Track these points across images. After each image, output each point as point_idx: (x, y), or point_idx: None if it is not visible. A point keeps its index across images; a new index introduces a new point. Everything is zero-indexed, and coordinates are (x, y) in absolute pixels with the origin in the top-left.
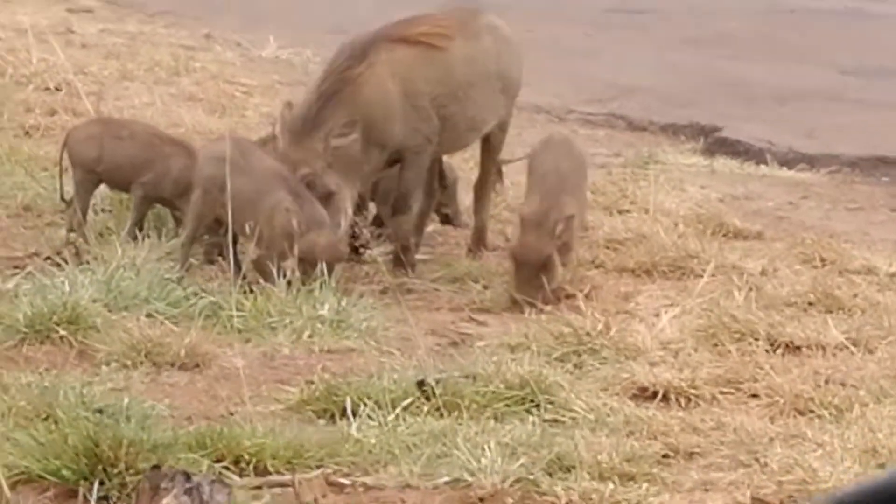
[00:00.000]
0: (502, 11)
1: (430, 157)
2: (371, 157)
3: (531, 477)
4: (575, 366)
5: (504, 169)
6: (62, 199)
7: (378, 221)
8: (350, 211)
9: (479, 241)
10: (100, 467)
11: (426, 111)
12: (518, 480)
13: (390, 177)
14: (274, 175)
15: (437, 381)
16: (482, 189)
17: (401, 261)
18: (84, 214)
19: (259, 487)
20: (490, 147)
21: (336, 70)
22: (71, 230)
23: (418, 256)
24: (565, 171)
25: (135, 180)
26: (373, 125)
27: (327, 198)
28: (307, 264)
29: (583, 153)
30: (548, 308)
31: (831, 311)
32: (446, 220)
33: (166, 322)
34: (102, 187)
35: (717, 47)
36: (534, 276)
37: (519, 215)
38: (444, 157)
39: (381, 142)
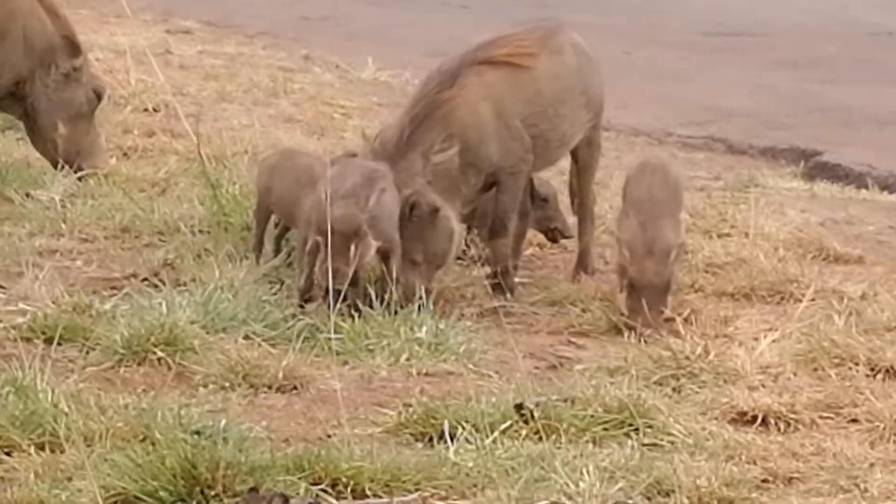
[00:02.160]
0: (598, 34)
1: (526, 177)
2: (468, 180)
3: (630, 501)
4: (674, 390)
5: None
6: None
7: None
8: (458, 229)
9: (582, 265)
10: (197, 489)
11: (518, 131)
12: None
13: (487, 200)
14: None
15: (536, 405)
16: (583, 212)
17: (500, 284)
18: (258, 243)
19: None
20: (581, 167)
21: (427, 94)
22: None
23: (517, 279)
24: (660, 196)
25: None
26: (467, 147)
27: (432, 215)
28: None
29: (678, 177)
30: (647, 332)
31: None
32: (556, 235)
33: (264, 344)
34: (202, 210)
35: (814, 70)
36: (658, 301)
37: (624, 243)
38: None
39: (475, 164)
